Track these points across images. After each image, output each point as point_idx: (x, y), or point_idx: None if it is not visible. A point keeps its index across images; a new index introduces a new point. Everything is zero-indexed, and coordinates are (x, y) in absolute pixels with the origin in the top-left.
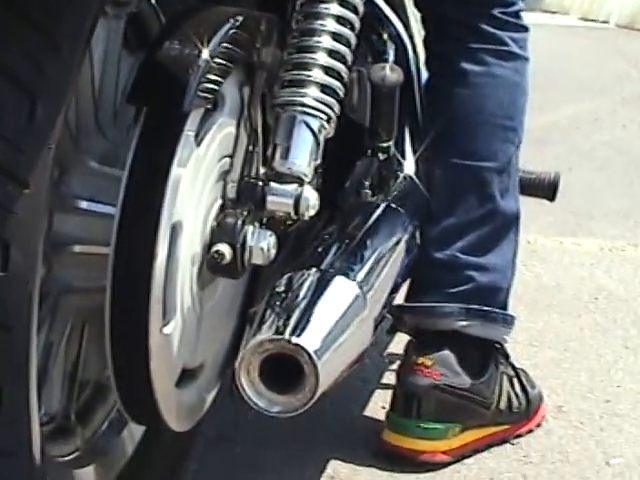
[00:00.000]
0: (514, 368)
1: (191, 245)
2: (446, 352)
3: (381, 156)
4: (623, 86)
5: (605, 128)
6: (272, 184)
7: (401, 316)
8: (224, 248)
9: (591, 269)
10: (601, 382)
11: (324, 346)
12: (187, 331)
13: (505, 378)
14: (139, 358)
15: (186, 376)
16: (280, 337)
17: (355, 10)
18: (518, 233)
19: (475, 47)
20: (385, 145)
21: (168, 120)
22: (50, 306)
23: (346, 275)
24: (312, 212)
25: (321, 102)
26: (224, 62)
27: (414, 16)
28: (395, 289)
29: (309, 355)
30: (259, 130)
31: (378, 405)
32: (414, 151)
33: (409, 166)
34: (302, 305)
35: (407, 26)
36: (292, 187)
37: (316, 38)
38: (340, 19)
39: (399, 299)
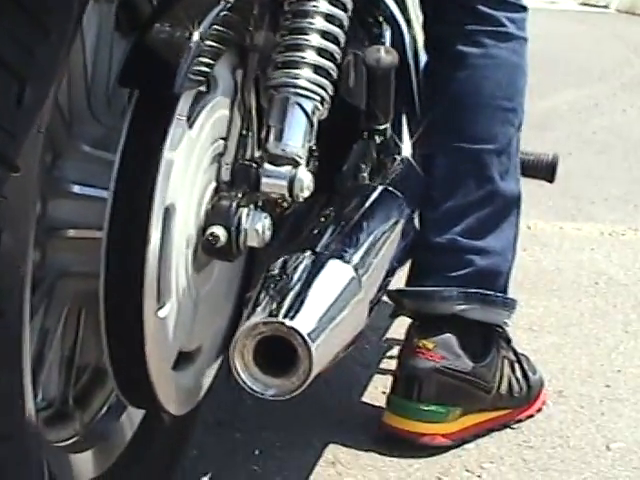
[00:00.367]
0: (515, 353)
1: (185, 228)
2: (447, 335)
3: (378, 139)
4: (623, 71)
5: (605, 113)
6: (266, 166)
7: (401, 300)
8: (219, 230)
9: (591, 254)
10: (601, 366)
11: (318, 328)
12: (183, 314)
13: (506, 363)
14: (134, 341)
15: (183, 359)
16: (274, 320)
17: None
18: (519, 216)
19: (472, 29)
20: (382, 128)
21: (159, 102)
22: (45, 291)
23: (341, 258)
24: (306, 193)
25: (314, 83)
26: (215, 44)
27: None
28: (391, 272)
29: (303, 337)
30: (253, 112)
31: (378, 390)
32: (411, 134)
33: (406, 149)
34: (296, 288)
35: (404, 9)
36: (286, 169)
37: (309, 19)
38: (333, 0)
39: (399, 283)
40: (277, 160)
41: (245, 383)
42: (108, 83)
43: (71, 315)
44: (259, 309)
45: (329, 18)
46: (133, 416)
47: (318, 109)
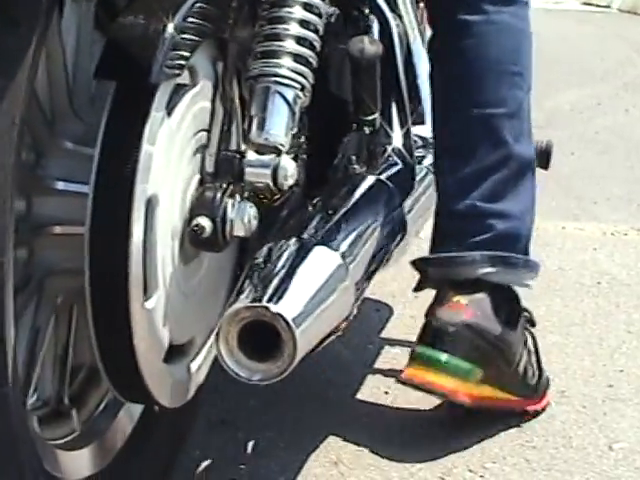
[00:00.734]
0: (535, 344)
1: (170, 219)
2: (481, 295)
3: (367, 129)
4: (625, 71)
5: (607, 113)
6: (249, 155)
7: (426, 270)
8: (204, 221)
9: (594, 253)
10: (604, 367)
11: (303, 313)
12: (171, 306)
13: (527, 348)
14: (122, 334)
15: (175, 352)
16: (257, 305)
17: None
18: (534, 180)
19: None
20: (370, 118)
21: (137, 93)
22: (34, 289)
23: (328, 245)
24: (290, 181)
25: (295, 72)
26: (192, 34)
27: None
28: (381, 261)
29: (286, 321)
30: (236, 103)
31: (380, 390)
32: (401, 124)
33: (397, 139)
34: (281, 274)
35: (393, 3)
36: (269, 157)
37: (287, 9)
38: None
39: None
40: (260, 149)
41: (231, 369)
42: (90, 81)
43: (62, 313)
44: (242, 296)
45: (307, 7)
46: (132, 412)
47: (299, 97)
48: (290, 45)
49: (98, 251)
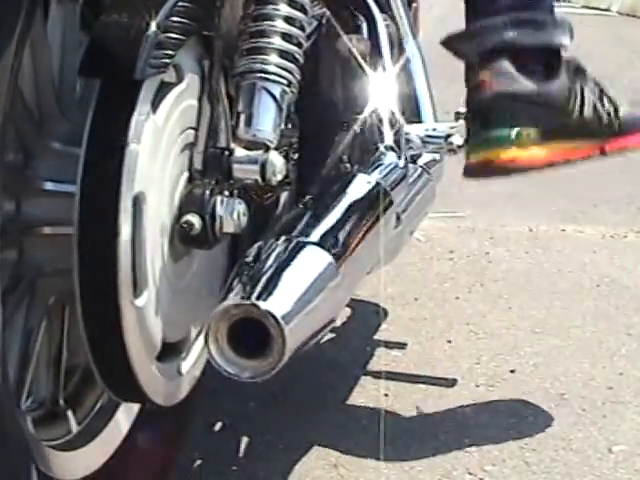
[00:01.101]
0: (597, 83)
1: (159, 217)
2: (503, 62)
3: (357, 128)
4: (625, 74)
5: None
6: (237, 152)
7: (459, 48)
8: (193, 218)
9: (593, 256)
10: (603, 369)
11: (292, 311)
12: (162, 304)
13: (587, 90)
14: (113, 332)
15: (169, 350)
16: (246, 302)
17: None
18: None
19: None
20: (361, 117)
21: (121, 90)
22: (25, 290)
23: (318, 243)
24: (279, 177)
25: (281, 68)
26: (176, 32)
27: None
28: (373, 260)
29: (275, 319)
30: (223, 101)
31: (380, 392)
32: (392, 124)
33: (388, 137)
34: (270, 272)
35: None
36: (257, 153)
37: (272, 6)
38: None
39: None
40: (248, 146)
41: (220, 366)
42: (76, 81)
43: (55, 313)
44: (232, 293)
45: (292, 3)
46: (129, 411)
47: (286, 93)
48: (276, 41)
49: (87, 250)
